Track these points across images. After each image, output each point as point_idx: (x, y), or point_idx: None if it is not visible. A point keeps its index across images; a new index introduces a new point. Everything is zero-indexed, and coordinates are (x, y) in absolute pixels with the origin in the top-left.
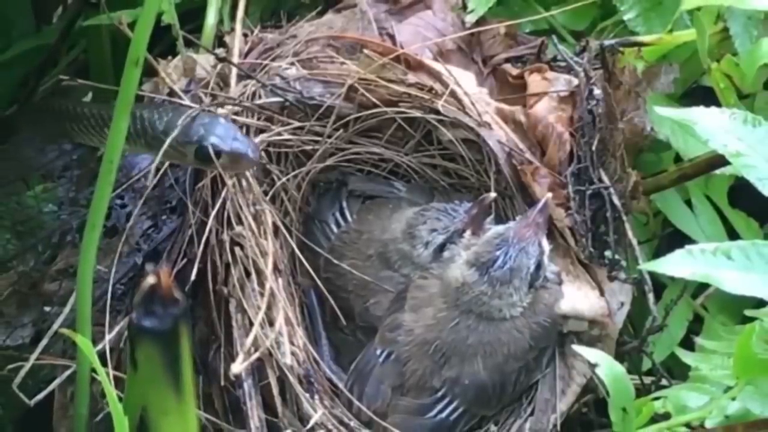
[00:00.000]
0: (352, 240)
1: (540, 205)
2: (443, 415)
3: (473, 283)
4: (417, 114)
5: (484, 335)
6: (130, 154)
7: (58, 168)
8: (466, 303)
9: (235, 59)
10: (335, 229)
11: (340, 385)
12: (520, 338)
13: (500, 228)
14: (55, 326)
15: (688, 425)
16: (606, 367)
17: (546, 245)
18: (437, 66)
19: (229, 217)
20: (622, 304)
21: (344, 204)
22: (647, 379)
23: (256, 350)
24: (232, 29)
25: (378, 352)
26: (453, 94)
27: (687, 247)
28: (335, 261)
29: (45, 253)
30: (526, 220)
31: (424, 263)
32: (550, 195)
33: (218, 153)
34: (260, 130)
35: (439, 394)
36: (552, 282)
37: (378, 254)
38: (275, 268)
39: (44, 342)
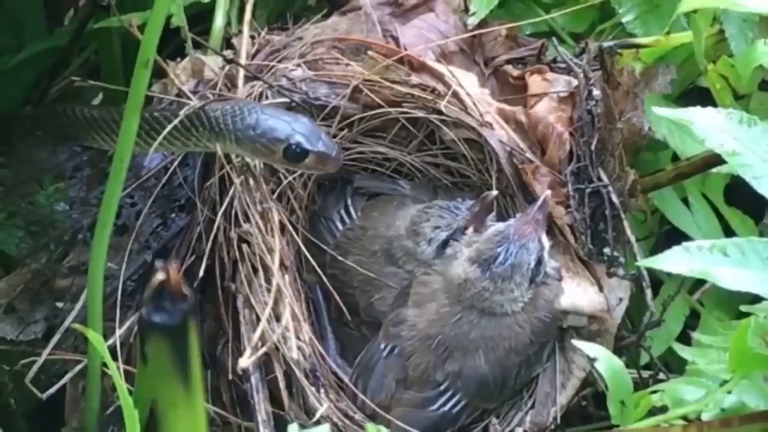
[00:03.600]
0: (357, 236)
1: (539, 202)
2: (446, 408)
3: (475, 279)
4: (420, 114)
5: (486, 330)
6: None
7: (69, 168)
8: (468, 299)
9: (243, 61)
10: (340, 227)
11: (345, 379)
12: (521, 333)
13: (501, 225)
14: (66, 322)
15: (685, 418)
16: (605, 361)
17: (546, 241)
18: (440, 67)
19: (236, 215)
20: (621, 299)
21: (349, 201)
22: (645, 373)
23: (263, 345)
24: (240, 31)
25: (382, 346)
26: (455, 94)
27: (684, 244)
28: (340, 258)
29: (57, 251)
30: (525, 217)
31: (427, 259)
32: (549, 192)
33: (305, 152)
34: None
35: (442, 387)
36: (552, 278)
37: (382, 251)
38: (282, 264)
39: (56, 338)
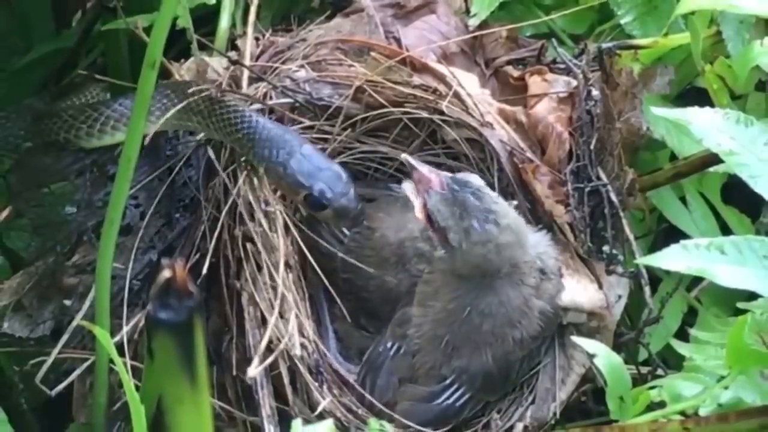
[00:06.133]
0: (366, 237)
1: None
2: (450, 401)
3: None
4: (422, 114)
5: (498, 317)
6: None
7: (73, 173)
8: (475, 259)
9: (247, 62)
10: (344, 229)
11: (350, 377)
12: (530, 324)
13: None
14: (75, 321)
15: (682, 413)
16: (604, 357)
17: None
18: (441, 68)
19: (241, 214)
20: (620, 296)
21: None
22: (644, 369)
23: (270, 351)
24: (244, 33)
25: (389, 345)
26: (456, 95)
27: (682, 242)
28: (353, 262)
29: (63, 252)
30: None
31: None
32: (403, 156)
33: (324, 206)
34: None
35: (448, 381)
36: (554, 273)
37: (395, 253)
38: (286, 263)
39: (65, 337)
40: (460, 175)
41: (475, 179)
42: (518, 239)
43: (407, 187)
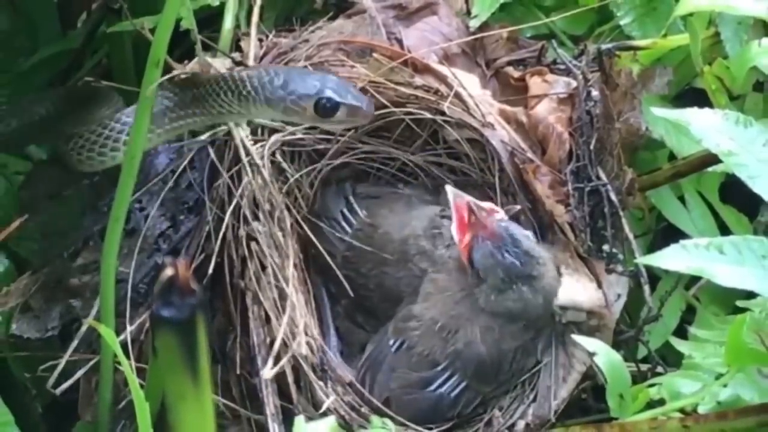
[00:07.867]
0: (368, 235)
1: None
2: (443, 389)
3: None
4: (424, 115)
5: (485, 313)
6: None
7: (80, 179)
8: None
9: (251, 62)
10: (346, 226)
11: (350, 376)
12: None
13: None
14: (85, 325)
15: (682, 411)
16: (604, 355)
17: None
18: (443, 69)
19: (245, 214)
20: (619, 295)
21: (351, 200)
22: (643, 367)
23: (281, 352)
24: (248, 34)
25: (391, 342)
26: (458, 95)
27: (681, 242)
28: (361, 257)
29: (70, 256)
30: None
31: (442, 262)
32: (450, 187)
33: (336, 105)
34: (274, 130)
35: (440, 367)
36: (542, 265)
37: (397, 250)
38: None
39: (75, 343)
40: (513, 229)
41: (525, 237)
42: (545, 302)
43: (452, 230)
